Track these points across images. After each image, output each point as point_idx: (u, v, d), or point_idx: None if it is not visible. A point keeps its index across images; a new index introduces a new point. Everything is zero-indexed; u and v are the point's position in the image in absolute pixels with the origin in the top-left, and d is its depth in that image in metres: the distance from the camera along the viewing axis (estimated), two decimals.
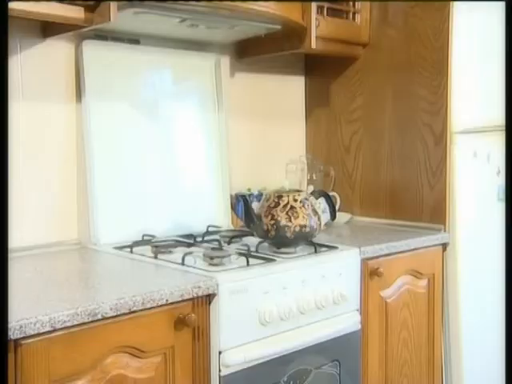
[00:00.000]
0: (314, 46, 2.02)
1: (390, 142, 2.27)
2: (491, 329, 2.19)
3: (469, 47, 2.10)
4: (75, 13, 1.55)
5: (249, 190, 2.24)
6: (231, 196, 2.21)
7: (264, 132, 2.39)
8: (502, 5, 2.27)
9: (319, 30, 2.04)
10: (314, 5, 2.01)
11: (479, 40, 2.15)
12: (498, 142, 2.20)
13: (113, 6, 1.53)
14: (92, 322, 1.27)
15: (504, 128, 2.24)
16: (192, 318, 1.43)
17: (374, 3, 2.26)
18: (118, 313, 1.31)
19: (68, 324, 1.22)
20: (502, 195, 2.16)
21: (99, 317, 1.27)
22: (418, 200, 2.18)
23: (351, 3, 2.25)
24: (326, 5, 2.14)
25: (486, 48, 2.17)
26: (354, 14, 2.26)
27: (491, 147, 2.15)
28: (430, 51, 2.10)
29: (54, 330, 1.20)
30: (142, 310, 1.35)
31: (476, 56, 2.13)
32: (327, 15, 2.15)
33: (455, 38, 2.05)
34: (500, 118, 2.26)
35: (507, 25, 2.13)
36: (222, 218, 2.18)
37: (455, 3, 2.04)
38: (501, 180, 2.14)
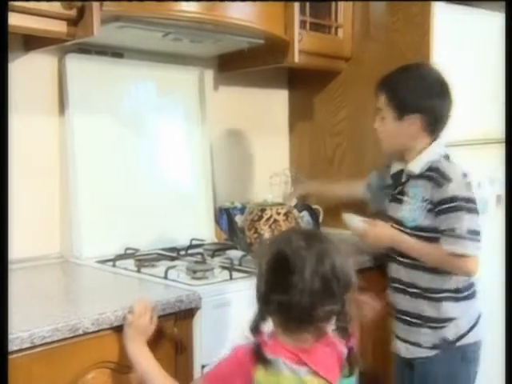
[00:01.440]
0: (296, 60, 2.03)
1: (373, 155, 2.29)
2: None
3: (449, 61, 2.12)
4: (58, 26, 1.55)
5: (232, 203, 2.24)
6: (215, 209, 2.22)
7: (248, 145, 2.40)
8: (483, 18, 2.32)
9: (302, 44, 2.06)
10: (296, 19, 2.02)
11: (459, 54, 2.18)
12: (478, 155, 2.23)
13: (96, 19, 1.53)
14: (73, 337, 1.26)
15: (492, 141, 2.30)
16: (174, 332, 1.42)
17: (357, 18, 2.29)
18: (100, 328, 1.30)
19: (48, 340, 1.21)
20: (484, 208, 2.18)
21: (80, 332, 1.27)
22: None
23: (334, 18, 2.27)
24: (308, 19, 2.17)
25: (465, 62, 2.21)
26: (336, 28, 2.28)
27: (471, 161, 2.17)
28: None
29: (35, 346, 1.19)
30: (123, 325, 1.34)
31: (455, 70, 2.15)
32: (310, 30, 2.17)
33: (435, 53, 2.08)
34: (479, 132, 2.31)
35: (507, 25, 2.17)
36: (206, 231, 2.18)
37: (435, 17, 2.07)
38: (482, 193, 2.16)
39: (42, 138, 1.87)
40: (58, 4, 1.50)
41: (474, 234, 1.57)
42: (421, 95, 1.63)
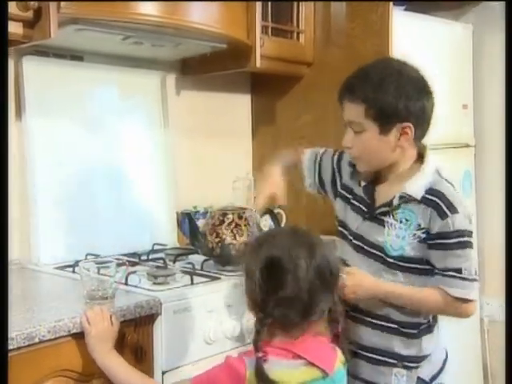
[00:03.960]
0: (258, 64, 2.04)
1: None
2: None
3: None
4: (13, 28, 1.51)
5: (195, 207, 2.23)
6: (177, 214, 2.20)
7: (210, 149, 2.39)
8: (440, 26, 2.37)
9: (264, 49, 2.07)
10: (258, 24, 2.03)
11: (418, 61, 2.21)
12: (438, 160, 2.27)
13: (53, 22, 1.50)
14: (28, 345, 1.23)
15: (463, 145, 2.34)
16: (134, 338, 1.41)
17: (318, 23, 2.31)
18: (57, 335, 1.27)
19: None
20: None
21: (36, 340, 1.24)
22: None
23: (295, 23, 2.29)
24: (270, 24, 2.18)
25: (426, 69, 2.25)
26: (298, 33, 2.30)
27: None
28: None
29: None
30: (82, 332, 1.31)
31: None
32: (272, 35, 2.19)
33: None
34: (438, 137, 2.35)
35: (507, 25, 2.21)
36: (168, 236, 2.17)
37: (395, 24, 2.10)
38: None
39: None
40: (13, 5, 1.46)
41: (476, 274, 1.36)
42: (410, 97, 1.32)
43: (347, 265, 1.45)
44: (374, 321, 1.42)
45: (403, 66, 1.38)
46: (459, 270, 1.33)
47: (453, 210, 1.33)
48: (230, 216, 1.77)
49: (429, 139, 2.23)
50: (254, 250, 1.18)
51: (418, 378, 1.41)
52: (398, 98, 1.31)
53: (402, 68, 1.37)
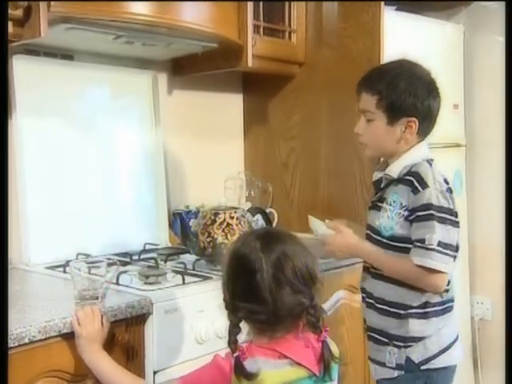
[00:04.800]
0: (250, 64, 2.04)
1: (327, 159, 2.32)
2: None
3: None
4: None
5: (187, 207, 2.22)
6: (169, 213, 2.20)
7: (202, 149, 2.39)
8: (432, 26, 2.38)
9: (256, 48, 2.07)
10: (250, 24, 2.03)
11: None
12: (437, 158, 2.28)
13: (43, 20, 1.50)
14: (19, 346, 1.22)
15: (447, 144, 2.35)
16: (125, 338, 1.40)
17: (310, 23, 2.32)
18: (47, 336, 1.27)
19: None
20: None
21: (26, 341, 1.23)
22: (355, 215, 2.22)
23: (287, 23, 2.29)
24: (262, 24, 2.18)
25: None
26: (289, 33, 2.30)
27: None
28: (364, 71, 2.15)
29: None
30: (72, 333, 1.31)
31: None
32: (264, 34, 2.19)
33: (387, 59, 2.12)
34: (434, 136, 2.36)
35: (507, 24, 2.21)
36: (160, 236, 2.16)
37: (386, 25, 2.11)
38: None
39: None
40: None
41: (446, 247, 1.42)
42: (419, 96, 1.47)
43: None
44: (373, 302, 1.54)
45: (416, 66, 1.53)
46: (422, 240, 1.42)
47: (424, 185, 1.44)
48: (222, 216, 1.77)
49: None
50: (226, 253, 1.20)
51: (407, 357, 1.48)
52: (407, 95, 1.46)
53: (415, 69, 1.52)
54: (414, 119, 1.47)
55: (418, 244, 1.43)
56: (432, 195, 1.43)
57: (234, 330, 1.13)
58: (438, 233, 1.41)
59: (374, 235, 1.54)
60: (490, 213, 2.54)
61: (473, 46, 2.57)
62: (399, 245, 1.48)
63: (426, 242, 1.41)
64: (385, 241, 1.50)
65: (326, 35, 2.29)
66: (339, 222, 1.63)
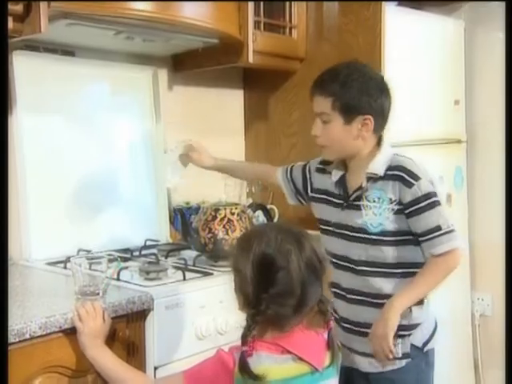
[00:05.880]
0: (251, 60, 2.04)
1: None
2: None
3: (401, 63, 2.17)
4: None
5: (187, 203, 2.22)
6: (170, 209, 2.20)
7: (203, 144, 2.38)
8: (433, 21, 2.38)
9: (256, 44, 2.07)
10: (250, 19, 2.03)
11: (410, 56, 2.22)
12: (429, 155, 2.28)
13: (43, 16, 1.49)
14: (19, 341, 1.22)
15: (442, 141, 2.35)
16: (126, 334, 1.40)
17: (310, 19, 2.31)
18: (48, 331, 1.27)
19: None
20: None
21: (27, 336, 1.23)
22: None
23: (288, 18, 2.29)
24: (262, 19, 2.18)
25: (418, 64, 2.26)
26: (290, 29, 2.30)
27: (423, 160, 2.21)
28: None
29: None
30: (73, 328, 1.31)
31: (408, 72, 2.21)
32: (264, 30, 2.18)
33: (387, 55, 2.12)
34: (430, 132, 2.36)
35: (507, 24, 2.21)
36: (161, 232, 2.16)
37: (387, 20, 2.10)
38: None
39: None
40: None
41: (453, 226, 1.50)
42: (372, 95, 1.52)
43: (335, 254, 1.58)
44: (365, 299, 1.54)
45: (366, 68, 1.59)
46: (438, 227, 1.47)
47: (415, 177, 1.49)
48: (223, 211, 1.77)
49: (421, 135, 2.28)
50: (244, 247, 1.18)
51: (412, 344, 1.53)
52: (360, 94, 1.51)
53: (365, 70, 1.58)
54: (370, 117, 1.51)
55: (436, 233, 1.46)
56: (426, 185, 1.48)
57: (252, 325, 1.13)
58: (445, 215, 1.48)
59: (354, 234, 1.54)
60: (490, 209, 2.54)
61: (474, 41, 2.57)
62: (391, 239, 1.51)
63: (444, 227, 1.46)
64: (374, 237, 1.51)
65: (326, 31, 2.28)
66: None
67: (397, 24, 2.14)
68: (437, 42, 2.39)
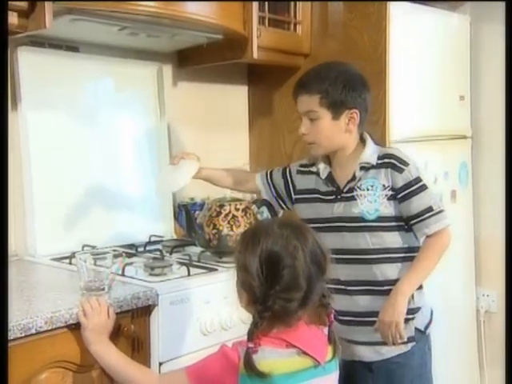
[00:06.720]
0: (255, 55, 2.03)
1: None
2: None
3: (406, 59, 2.16)
4: (8, 18, 1.50)
5: (192, 199, 2.23)
6: (174, 205, 2.20)
7: (207, 140, 2.38)
8: (438, 16, 2.37)
9: (261, 40, 2.06)
10: (255, 15, 2.02)
11: (415, 52, 2.22)
12: (435, 151, 2.28)
13: (48, 12, 1.49)
14: (25, 336, 1.23)
15: (441, 138, 2.35)
16: (131, 329, 1.41)
17: (315, 15, 2.30)
18: (54, 326, 1.28)
19: None
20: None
21: (33, 331, 1.24)
22: None
23: (292, 14, 2.28)
24: (267, 15, 2.17)
25: (423, 60, 2.25)
26: (295, 24, 2.29)
27: (428, 156, 2.22)
28: (369, 63, 2.15)
29: None
30: (78, 323, 1.31)
31: (413, 68, 2.20)
32: (269, 26, 2.18)
33: (392, 50, 2.11)
34: (435, 128, 2.36)
35: (507, 24, 2.20)
36: (165, 228, 2.17)
37: (392, 16, 2.10)
38: (437, 188, 2.20)
39: None
40: None
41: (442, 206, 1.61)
42: (357, 90, 1.59)
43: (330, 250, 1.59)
44: (372, 288, 1.59)
45: (347, 66, 1.67)
46: (430, 208, 1.57)
47: (405, 163, 1.59)
48: (227, 207, 1.77)
49: (426, 130, 2.27)
50: (250, 244, 1.18)
51: (415, 328, 1.59)
52: (346, 90, 1.58)
53: (346, 67, 1.65)
54: (356, 110, 1.60)
55: (428, 214, 1.56)
56: (415, 170, 1.59)
57: (259, 320, 1.13)
58: (435, 197, 1.60)
59: (353, 224, 1.60)
60: (495, 204, 2.53)
61: (479, 36, 2.55)
62: (388, 224, 1.58)
63: (436, 207, 1.57)
64: (373, 224, 1.58)
65: (331, 27, 2.28)
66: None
67: (402, 19, 2.13)
68: (442, 37, 2.38)
